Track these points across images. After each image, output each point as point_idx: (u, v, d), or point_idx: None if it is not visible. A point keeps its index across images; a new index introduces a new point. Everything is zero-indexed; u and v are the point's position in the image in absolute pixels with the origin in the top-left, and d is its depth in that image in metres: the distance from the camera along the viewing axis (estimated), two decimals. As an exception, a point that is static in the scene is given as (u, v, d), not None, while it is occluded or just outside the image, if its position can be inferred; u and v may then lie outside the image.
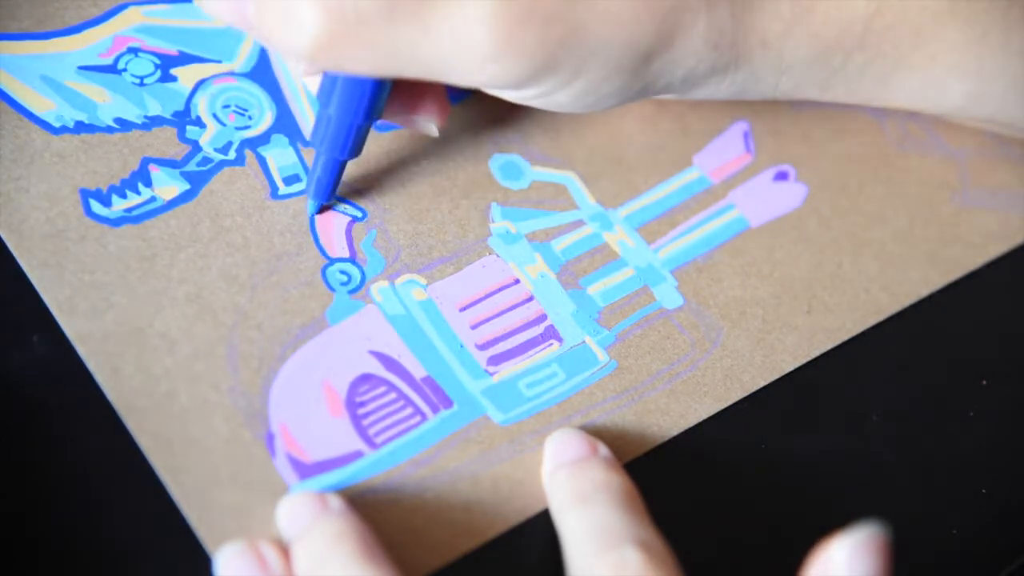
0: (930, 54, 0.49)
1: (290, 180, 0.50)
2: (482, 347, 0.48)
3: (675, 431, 0.48)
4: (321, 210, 0.50)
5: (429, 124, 0.48)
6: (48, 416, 0.44)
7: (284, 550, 0.43)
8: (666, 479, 0.48)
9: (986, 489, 0.50)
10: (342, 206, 0.50)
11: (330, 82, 0.46)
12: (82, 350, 0.45)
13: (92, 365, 0.45)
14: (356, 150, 0.48)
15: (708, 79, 0.47)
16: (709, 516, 0.48)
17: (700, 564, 0.46)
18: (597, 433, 0.47)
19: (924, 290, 0.53)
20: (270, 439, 0.45)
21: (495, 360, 0.48)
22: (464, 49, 0.42)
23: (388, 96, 0.46)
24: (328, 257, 0.49)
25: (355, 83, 0.45)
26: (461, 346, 0.48)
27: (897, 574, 0.47)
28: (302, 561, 0.42)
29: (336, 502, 0.43)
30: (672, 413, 0.48)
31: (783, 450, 0.49)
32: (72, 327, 0.45)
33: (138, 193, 0.49)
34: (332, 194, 0.49)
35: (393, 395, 0.47)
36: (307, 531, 0.43)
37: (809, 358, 0.51)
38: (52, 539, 0.42)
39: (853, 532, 0.39)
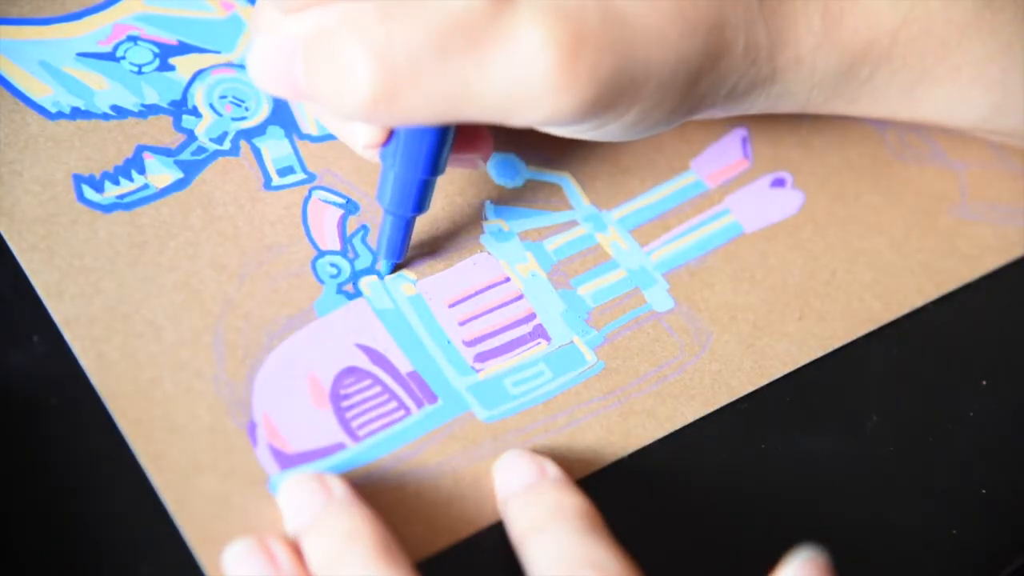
0: (955, 65, 0.49)
1: (284, 172, 0.50)
2: (469, 344, 0.48)
3: (660, 433, 0.48)
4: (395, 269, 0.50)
5: (477, 160, 0.48)
6: (47, 416, 0.44)
7: (294, 546, 0.42)
8: (666, 479, 0.48)
9: (986, 489, 0.50)
10: (335, 199, 0.50)
11: (392, 140, 0.45)
12: (68, 334, 0.45)
13: (77, 349, 0.45)
14: (424, 206, 0.47)
15: (747, 95, 0.47)
16: (709, 516, 0.47)
17: (700, 565, 0.46)
18: (580, 433, 0.47)
19: (918, 300, 0.53)
20: (252, 428, 0.45)
21: (482, 357, 0.48)
22: (521, 85, 0.41)
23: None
24: (319, 249, 0.49)
25: (417, 137, 0.44)
26: (448, 342, 0.48)
27: (897, 574, 0.47)
28: (315, 558, 0.42)
29: (340, 489, 0.43)
30: (658, 415, 0.48)
31: (782, 450, 0.49)
32: (59, 311, 0.46)
33: (131, 180, 0.49)
34: (404, 252, 0.49)
35: (378, 389, 0.47)
36: (318, 524, 0.42)
37: (799, 365, 0.51)
38: (51, 539, 0.42)
39: (795, 556, 0.40)
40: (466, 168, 0.50)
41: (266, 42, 0.43)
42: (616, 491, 0.46)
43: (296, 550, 0.42)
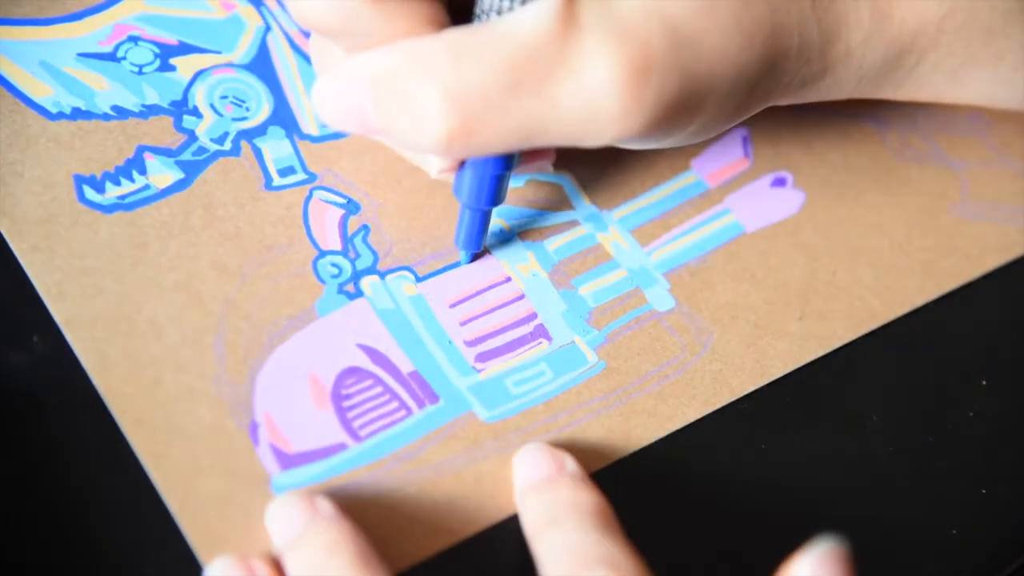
0: (998, 51, 0.49)
1: (285, 172, 0.50)
2: (471, 344, 0.48)
3: (661, 433, 0.48)
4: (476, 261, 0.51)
5: (545, 165, 0.49)
6: (47, 416, 0.44)
7: (274, 564, 0.42)
8: (666, 479, 0.48)
9: (986, 489, 0.50)
10: (336, 199, 0.50)
11: None
12: (70, 335, 0.45)
13: (79, 350, 0.45)
14: (499, 198, 0.47)
15: (799, 90, 0.47)
16: (708, 517, 0.47)
17: (700, 564, 0.46)
18: (582, 433, 0.47)
19: (919, 300, 0.53)
20: (254, 428, 0.45)
21: (483, 357, 0.48)
22: (592, 112, 0.41)
23: None
24: (320, 249, 0.49)
25: None
26: (449, 342, 0.48)
27: (897, 574, 0.47)
28: (296, 572, 0.42)
29: (326, 506, 0.43)
30: (659, 415, 0.48)
31: (782, 451, 0.49)
32: (61, 312, 0.46)
33: (132, 180, 0.49)
34: (481, 242, 0.49)
35: (379, 389, 0.47)
36: (300, 540, 0.42)
37: (800, 364, 0.51)
38: (51, 539, 0.42)
39: (814, 547, 0.39)
40: (535, 172, 0.52)
41: (332, 83, 0.43)
42: (616, 491, 0.46)
43: (277, 567, 0.42)
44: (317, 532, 0.42)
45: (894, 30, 0.47)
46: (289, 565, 0.42)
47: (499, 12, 0.42)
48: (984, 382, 0.52)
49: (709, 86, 0.43)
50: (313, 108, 0.44)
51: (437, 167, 0.47)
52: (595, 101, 0.41)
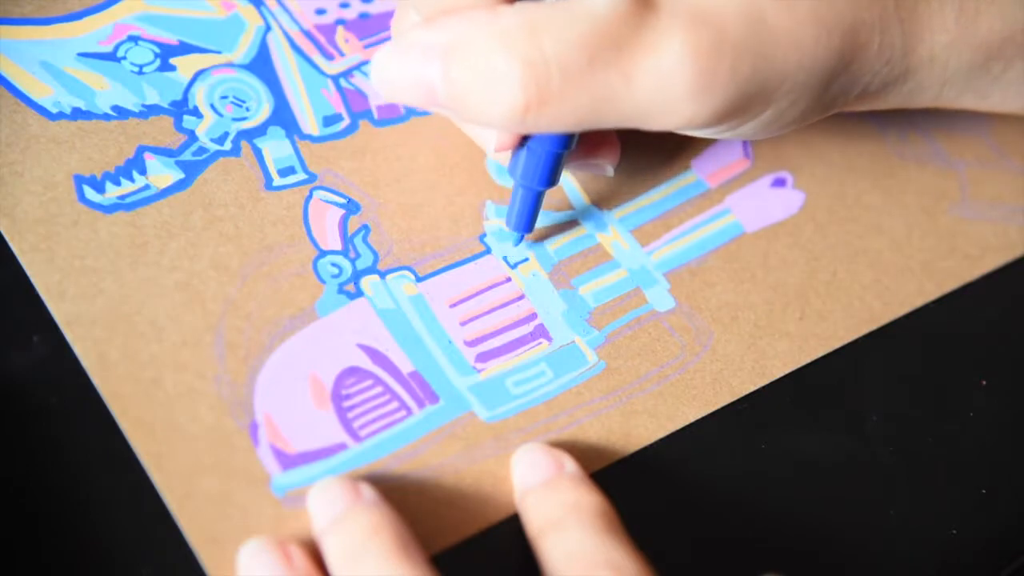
0: None
1: (285, 172, 0.50)
2: (471, 344, 0.48)
3: (661, 433, 0.48)
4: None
5: (606, 166, 0.49)
6: (47, 416, 0.44)
7: (311, 547, 0.43)
8: (665, 479, 0.48)
9: (986, 489, 0.50)
10: (336, 199, 0.50)
11: None
12: (70, 335, 0.45)
13: (79, 350, 0.45)
14: (554, 179, 0.47)
15: (880, 93, 0.47)
16: (708, 516, 0.47)
17: (699, 564, 0.46)
18: (582, 433, 0.47)
19: (919, 300, 0.53)
20: (254, 428, 0.45)
21: (483, 357, 0.48)
22: (664, 90, 0.42)
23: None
24: (320, 249, 0.49)
25: None
26: (449, 342, 0.48)
27: (897, 574, 0.47)
28: (335, 553, 0.42)
29: (369, 492, 0.43)
30: (659, 415, 0.48)
31: (782, 450, 0.49)
32: (61, 311, 0.46)
33: (132, 181, 0.49)
34: (532, 224, 0.49)
35: (379, 389, 0.47)
36: (341, 523, 0.42)
37: (800, 364, 0.51)
38: (51, 539, 0.42)
39: None
40: (595, 173, 0.51)
41: (399, 47, 0.43)
42: (616, 491, 0.46)
43: (313, 551, 0.42)
44: (358, 515, 0.42)
45: (981, 36, 0.47)
46: (328, 546, 0.42)
47: None
48: (984, 382, 0.52)
49: (783, 75, 0.43)
50: (372, 78, 0.44)
51: (497, 143, 0.46)
52: (668, 79, 0.41)
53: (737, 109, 0.43)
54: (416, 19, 0.45)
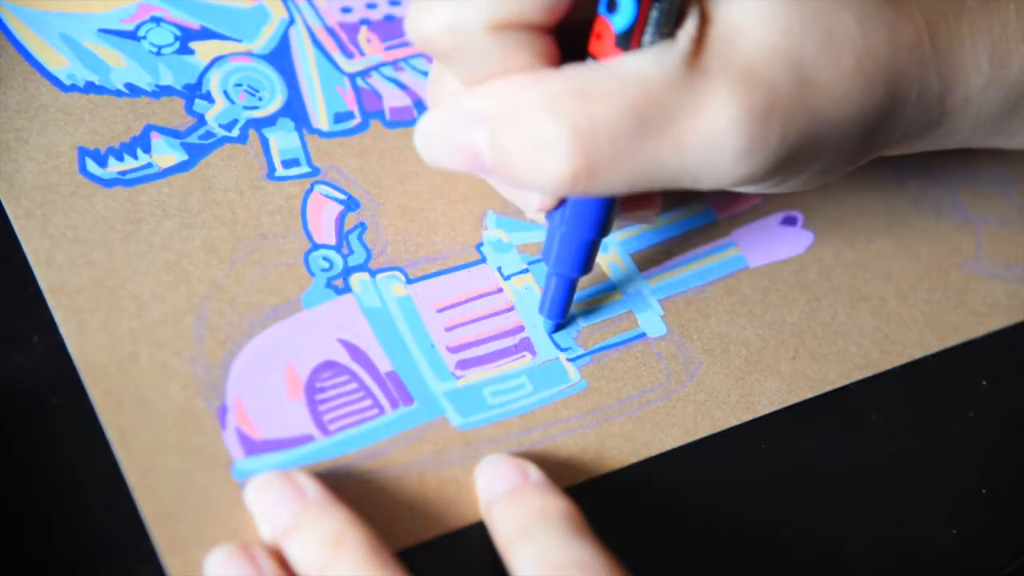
0: None
1: (289, 163, 0.51)
2: (453, 350, 0.48)
3: (635, 458, 0.47)
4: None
5: (650, 215, 0.48)
6: (47, 416, 0.44)
7: (275, 552, 0.42)
8: (665, 479, 0.47)
9: (986, 489, 0.50)
10: (337, 194, 0.50)
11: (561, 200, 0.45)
12: (52, 302, 0.45)
13: (59, 317, 0.45)
14: (588, 266, 0.47)
15: (916, 139, 0.47)
16: (708, 516, 0.47)
17: (699, 564, 0.46)
18: (554, 449, 0.47)
19: (919, 352, 0.52)
20: (223, 411, 0.45)
21: (464, 364, 0.48)
22: (714, 154, 0.41)
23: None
24: (314, 242, 0.49)
25: (587, 200, 0.45)
26: (431, 346, 0.48)
27: (897, 575, 0.46)
28: (302, 564, 0.42)
29: (313, 489, 0.43)
30: (635, 440, 0.48)
31: (783, 450, 0.49)
32: (46, 278, 0.46)
33: (135, 158, 0.49)
34: (566, 312, 0.49)
35: (354, 385, 0.47)
36: (299, 529, 0.42)
37: (786, 404, 0.50)
38: (52, 540, 0.42)
39: None
40: (638, 221, 0.51)
41: (445, 114, 0.42)
42: (615, 491, 0.46)
43: (278, 556, 0.42)
44: (314, 522, 0.42)
45: (1013, 78, 0.46)
46: (292, 556, 0.42)
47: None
48: (984, 382, 0.52)
49: (829, 130, 0.42)
50: (417, 143, 0.43)
51: (539, 205, 0.46)
52: (718, 142, 0.41)
53: (785, 167, 0.43)
54: (455, 85, 0.44)
